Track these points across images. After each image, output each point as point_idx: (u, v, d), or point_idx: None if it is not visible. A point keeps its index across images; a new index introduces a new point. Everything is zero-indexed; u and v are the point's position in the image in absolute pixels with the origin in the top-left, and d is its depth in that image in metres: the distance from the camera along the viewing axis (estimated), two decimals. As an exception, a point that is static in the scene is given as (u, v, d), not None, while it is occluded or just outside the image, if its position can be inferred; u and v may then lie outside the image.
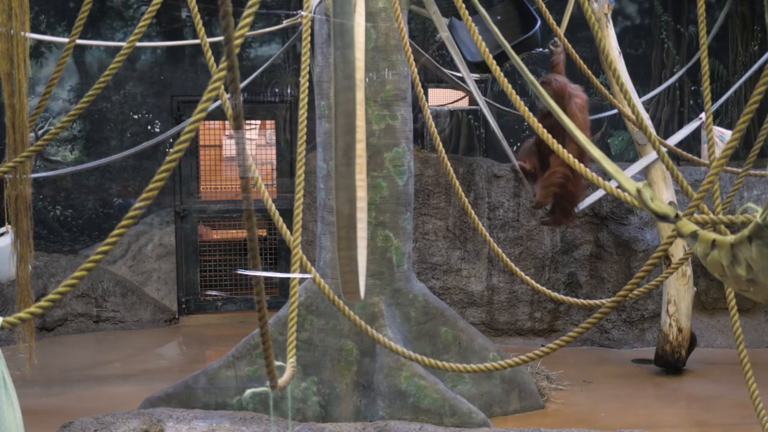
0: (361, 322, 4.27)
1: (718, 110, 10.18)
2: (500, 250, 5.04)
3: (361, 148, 3.16)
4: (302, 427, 5.69)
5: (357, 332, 6.09)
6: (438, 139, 5.27)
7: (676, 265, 4.40)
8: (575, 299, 4.76)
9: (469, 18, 4.55)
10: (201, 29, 4.35)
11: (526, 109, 4.21)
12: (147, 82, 9.85)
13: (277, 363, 2.83)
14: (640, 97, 8.46)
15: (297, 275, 3.57)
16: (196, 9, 4.37)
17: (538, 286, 4.83)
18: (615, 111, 7.79)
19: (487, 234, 5.15)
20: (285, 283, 9.20)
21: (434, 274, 8.72)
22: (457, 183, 5.26)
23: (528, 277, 4.91)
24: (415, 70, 5.21)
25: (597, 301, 4.31)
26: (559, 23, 6.26)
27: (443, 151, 5.31)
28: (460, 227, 8.70)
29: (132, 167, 9.77)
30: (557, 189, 6.44)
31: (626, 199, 3.51)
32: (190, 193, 9.87)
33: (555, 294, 4.79)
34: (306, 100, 3.77)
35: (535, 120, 4.21)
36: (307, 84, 3.89)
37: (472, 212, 5.28)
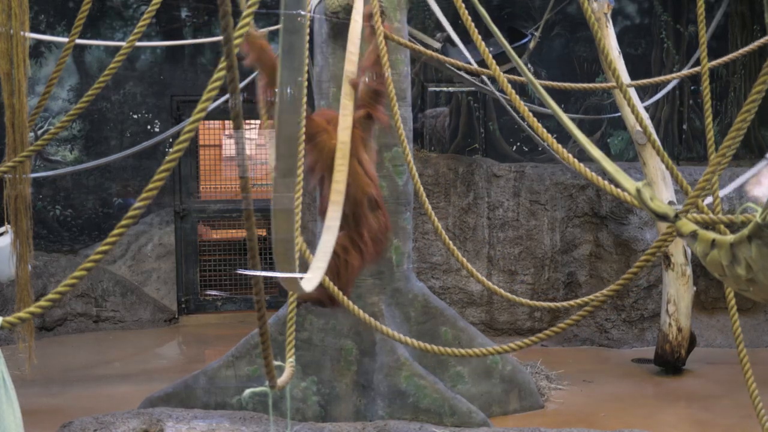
0: (365, 315, 4.23)
1: (717, 110, 10.18)
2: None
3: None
4: (302, 427, 5.68)
5: (357, 332, 6.08)
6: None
7: (654, 249, 4.37)
8: (570, 302, 4.71)
9: (469, 18, 4.56)
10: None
11: (526, 108, 4.21)
12: (147, 82, 9.85)
13: (277, 363, 2.83)
14: (642, 99, 8.47)
15: (297, 275, 3.56)
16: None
17: (528, 301, 4.75)
18: (618, 114, 7.86)
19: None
20: (285, 283, 9.18)
21: (434, 273, 8.72)
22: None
23: (517, 297, 4.90)
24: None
25: (589, 297, 4.27)
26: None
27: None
28: (460, 227, 8.69)
29: (132, 167, 9.77)
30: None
31: (626, 198, 3.50)
32: (189, 192, 9.87)
33: (547, 304, 4.74)
34: (305, 99, 3.77)
35: (535, 120, 4.20)
36: (307, 84, 3.88)
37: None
